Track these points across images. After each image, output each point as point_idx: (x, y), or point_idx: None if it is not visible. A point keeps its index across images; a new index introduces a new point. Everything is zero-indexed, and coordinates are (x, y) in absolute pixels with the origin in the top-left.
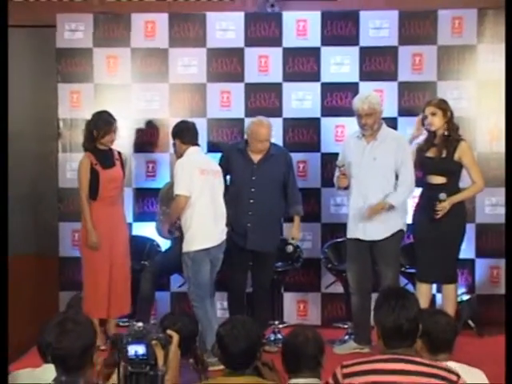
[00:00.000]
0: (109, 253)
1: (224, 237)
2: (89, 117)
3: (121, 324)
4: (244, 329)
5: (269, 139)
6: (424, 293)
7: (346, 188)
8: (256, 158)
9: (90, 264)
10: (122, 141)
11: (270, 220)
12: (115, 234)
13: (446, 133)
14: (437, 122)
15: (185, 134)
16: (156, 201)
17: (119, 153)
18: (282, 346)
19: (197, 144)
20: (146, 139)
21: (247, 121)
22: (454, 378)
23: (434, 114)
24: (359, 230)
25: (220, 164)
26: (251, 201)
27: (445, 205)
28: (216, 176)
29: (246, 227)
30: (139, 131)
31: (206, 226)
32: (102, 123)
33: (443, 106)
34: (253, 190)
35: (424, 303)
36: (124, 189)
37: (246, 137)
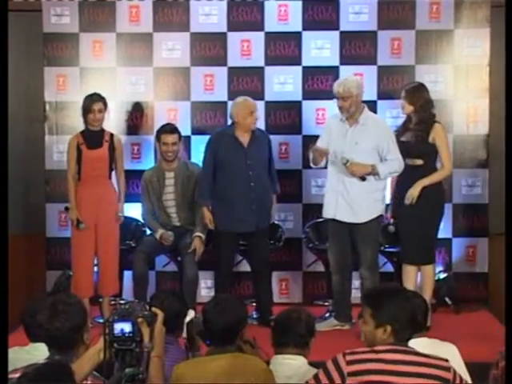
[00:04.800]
0: (93, 232)
1: None
2: (74, 100)
3: (112, 303)
4: (228, 305)
5: (257, 110)
6: (411, 274)
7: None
8: (245, 141)
9: (76, 244)
10: (108, 123)
11: (267, 199)
12: (100, 214)
13: (418, 116)
14: (406, 105)
15: None
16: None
17: (112, 134)
18: (273, 320)
19: None
20: (131, 122)
21: (230, 104)
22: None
23: (405, 98)
24: (340, 212)
25: (207, 152)
26: (252, 184)
27: (413, 192)
28: None
29: (250, 210)
30: (124, 114)
31: None
32: (84, 103)
33: (411, 92)
34: (250, 173)
35: (411, 285)
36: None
37: (232, 119)
